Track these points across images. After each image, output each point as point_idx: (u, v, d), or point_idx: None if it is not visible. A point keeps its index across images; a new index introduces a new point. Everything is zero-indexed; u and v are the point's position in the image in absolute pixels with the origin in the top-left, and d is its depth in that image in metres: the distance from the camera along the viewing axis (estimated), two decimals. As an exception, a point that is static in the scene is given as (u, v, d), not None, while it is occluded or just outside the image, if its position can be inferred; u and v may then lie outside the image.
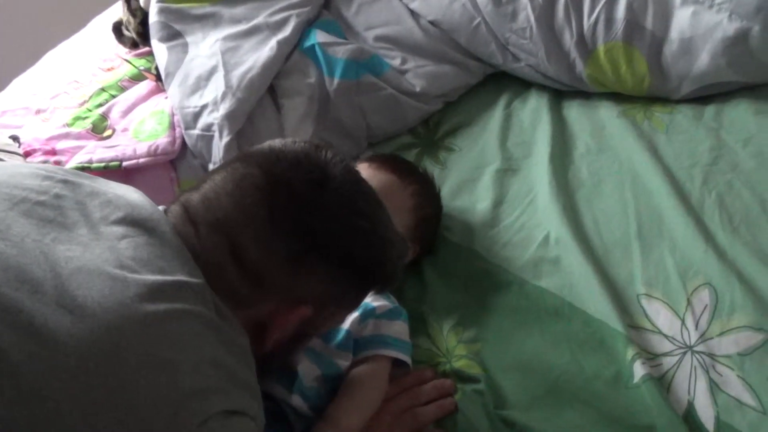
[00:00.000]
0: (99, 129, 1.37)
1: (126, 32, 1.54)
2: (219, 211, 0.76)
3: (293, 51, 1.40)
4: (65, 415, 0.59)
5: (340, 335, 1.00)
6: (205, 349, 0.68)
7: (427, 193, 1.19)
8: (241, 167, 0.79)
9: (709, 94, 1.35)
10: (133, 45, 1.54)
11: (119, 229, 0.72)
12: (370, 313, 1.02)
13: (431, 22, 1.46)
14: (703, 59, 1.30)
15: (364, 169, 1.15)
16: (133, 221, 0.73)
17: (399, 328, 1.03)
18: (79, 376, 0.60)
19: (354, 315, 1.00)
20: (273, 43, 1.36)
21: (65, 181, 0.76)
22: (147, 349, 0.64)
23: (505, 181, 1.29)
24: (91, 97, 1.44)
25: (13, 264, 0.64)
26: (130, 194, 0.78)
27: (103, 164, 1.25)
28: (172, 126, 1.31)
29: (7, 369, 0.58)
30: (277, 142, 0.83)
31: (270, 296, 0.77)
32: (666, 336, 1.02)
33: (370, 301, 1.03)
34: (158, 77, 1.43)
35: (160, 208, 0.79)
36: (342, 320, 0.95)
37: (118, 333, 0.63)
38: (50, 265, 0.65)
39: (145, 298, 0.65)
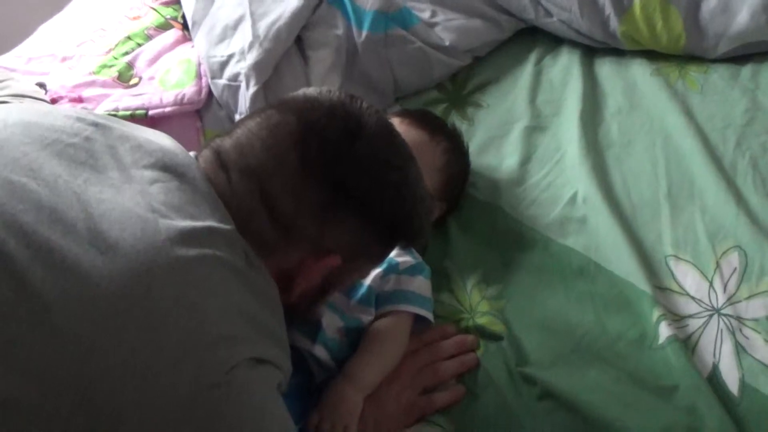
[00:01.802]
0: (125, 77, 1.36)
1: (153, -20, 1.52)
2: (251, 157, 0.76)
3: (321, 2, 1.37)
4: (95, 353, 0.59)
5: (362, 290, 1.00)
6: (234, 297, 0.68)
7: (456, 150, 1.18)
8: (275, 114, 0.78)
9: (746, 54, 1.31)
10: (160, -7, 1.52)
11: (150, 174, 0.71)
12: (392, 269, 1.02)
13: (462, -26, 1.43)
14: (742, 17, 1.27)
15: (395, 125, 1.13)
16: (164, 166, 0.73)
17: (420, 284, 1.03)
18: (110, 316, 0.60)
19: (377, 270, 1.00)
20: (301, -8, 1.34)
21: (96, 124, 0.75)
22: (177, 292, 0.64)
23: (533, 138, 1.27)
24: (116, 45, 1.43)
25: (46, 204, 0.64)
26: (160, 139, 0.78)
27: (129, 112, 1.25)
28: (198, 75, 1.31)
29: (41, 306, 0.59)
30: (312, 91, 0.82)
31: (298, 245, 0.77)
32: (693, 298, 1.01)
33: (394, 256, 1.03)
34: (185, 26, 1.42)
35: (191, 153, 0.78)
36: (367, 273, 0.95)
37: (150, 275, 0.63)
38: (82, 205, 0.65)
39: (176, 242, 0.65)
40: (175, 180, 0.72)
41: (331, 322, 0.95)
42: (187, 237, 0.66)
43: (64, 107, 0.88)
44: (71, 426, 0.58)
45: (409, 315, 1.00)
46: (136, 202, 0.67)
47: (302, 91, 0.83)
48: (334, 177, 0.76)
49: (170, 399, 0.61)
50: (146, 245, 0.64)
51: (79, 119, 0.75)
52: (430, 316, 1.02)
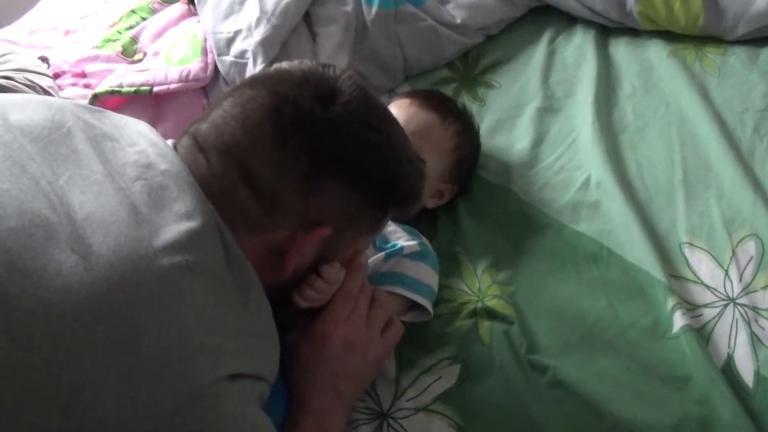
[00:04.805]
0: (129, 52, 1.34)
1: (157, -48, 1.49)
2: (227, 135, 0.74)
3: (330, -23, 1.35)
4: (75, 363, 0.59)
5: None
6: (214, 307, 0.67)
7: (467, 132, 1.15)
8: (247, 90, 0.77)
9: (765, 36, 1.28)
10: (165, -34, 1.49)
11: (133, 171, 0.70)
12: (396, 252, 0.99)
13: (475, -50, 1.40)
14: (762, -2, 1.24)
15: (405, 106, 1.11)
16: (148, 163, 0.71)
17: (422, 270, 1.00)
18: (90, 325, 0.60)
19: (379, 255, 0.98)
20: (310, -33, 1.31)
21: (78, 117, 0.74)
22: (158, 301, 0.63)
23: (545, 120, 1.24)
24: (120, 19, 1.41)
25: (27, 209, 0.63)
26: (141, 131, 0.76)
27: (133, 89, 1.23)
28: (204, 51, 1.28)
29: (20, 318, 0.58)
30: (284, 64, 0.81)
31: (285, 219, 0.75)
32: (708, 287, 0.99)
33: (401, 241, 1.01)
34: (190, 0, 1.39)
35: (170, 141, 0.77)
36: (363, 246, 0.90)
37: (132, 284, 0.62)
38: (65, 209, 0.65)
39: (158, 250, 0.65)
40: (158, 176, 0.70)
41: None
42: (169, 244, 0.65)
43: (45, 98, 0.87)
44: None
45: (402, 299, 0.97)
46: (120, 201, 0.67)
47: (275, 65, 0.82)
48: (312, 144, 0.74)
49: (152, 410, 0.61)
50: (129, 252, 0.63)
51: (59, 112, 0.74)
52: (428, 304, 0.98)
